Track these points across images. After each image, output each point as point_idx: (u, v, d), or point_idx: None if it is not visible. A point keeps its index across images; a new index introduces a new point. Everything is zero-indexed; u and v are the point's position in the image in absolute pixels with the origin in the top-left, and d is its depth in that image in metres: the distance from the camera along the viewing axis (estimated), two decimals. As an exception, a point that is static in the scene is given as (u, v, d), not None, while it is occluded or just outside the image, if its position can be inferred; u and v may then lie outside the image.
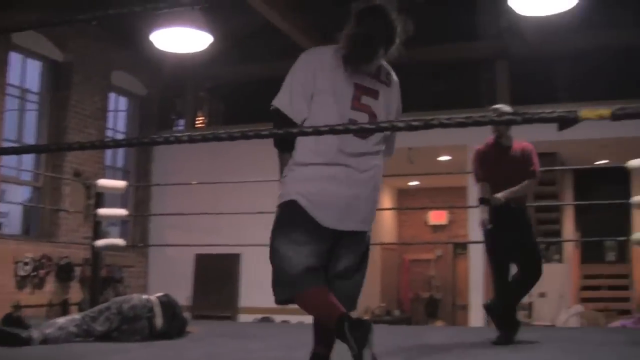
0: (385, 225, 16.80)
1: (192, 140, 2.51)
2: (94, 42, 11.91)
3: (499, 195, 5.92)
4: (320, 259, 3.45)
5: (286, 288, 3.46)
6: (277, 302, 3.55)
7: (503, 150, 6.14)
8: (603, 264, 14.87)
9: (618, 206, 13.95)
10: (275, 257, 3.49)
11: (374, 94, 3.53)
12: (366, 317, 14.12)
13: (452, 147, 12.58)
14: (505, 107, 6.12)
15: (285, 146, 3.54)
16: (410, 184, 16.84)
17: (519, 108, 11.51)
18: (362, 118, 3.46)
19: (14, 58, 10.82)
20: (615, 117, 1.82)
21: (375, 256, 15.60)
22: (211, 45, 9.27)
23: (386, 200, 16.80)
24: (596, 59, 13.33)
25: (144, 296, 6.01)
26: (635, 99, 11.37)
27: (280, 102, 3.50)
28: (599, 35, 12.65)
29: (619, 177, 14.16)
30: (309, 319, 10.48)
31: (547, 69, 13.94)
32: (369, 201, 3.55)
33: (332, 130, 2.37)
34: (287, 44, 13.03)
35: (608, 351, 5.01)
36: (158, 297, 6.05)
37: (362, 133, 3.44)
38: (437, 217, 17.29)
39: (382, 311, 15.15)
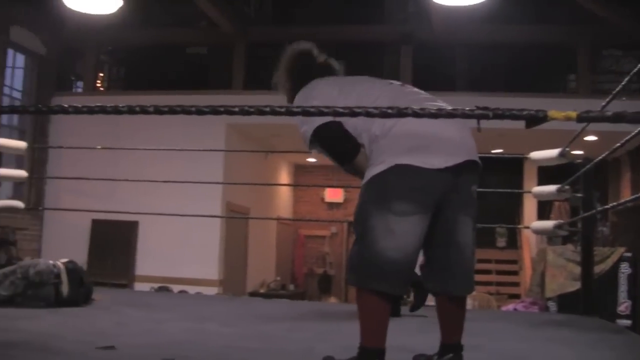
0: (282, 199, 16.90)
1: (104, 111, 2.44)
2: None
3: None
4: (422, 237, 3.02)
5: (360, 277, 3.01)
6: (350, 284, 3.13)
7: None
8: (494, 249, 15.36)
9: (510, 194, 14.49)
10: (368, 238, 3.00)
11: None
12: (262, 291, 14.26)
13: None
14: None
15: (352, 153, 3.19)
16: (308, 160, 16.96)
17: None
18: (394, 81, 3.41)
19: None
20: (580, 119, 1.93)
21: (271, 230, 15.71)
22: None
23: (283, 174, 16.89)
24: (494, 53, 13.76)
25: (51, 262, 5.91)
26: (527, 92, 11.81)
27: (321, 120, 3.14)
28: (499, 30, 13.02)
29: (512, 167, 14.67)
30: (207, 290, 10.49)
31: (449, 58, 14.27)
32: (461, 128, 3.13)
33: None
34: (192, 11, 12.92)
35: (505, 333, 5.21)
36: (64, 264, 5.96)
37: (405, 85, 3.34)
38: (333, 194, 17.46)
39: (278, 285, 15.29)
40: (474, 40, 13.42)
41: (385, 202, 2.96)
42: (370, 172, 3.04)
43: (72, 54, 14.42)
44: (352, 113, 2.25)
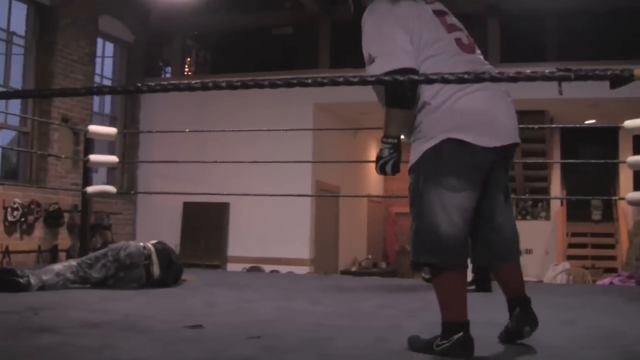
0: (372, 177, 16.82)
1: (191, 88, 2.42)
2: (81, -16, 11.75)
3: None
4: (471, 212, 3.06)
5: (428, 256, 3.06)
6: (415, 267, 3.21)
7: None
8: (589, 222, 15.00)
9: (605, 166, 14.11)
10: (421, 213, 3.06)
11: (445, 12, 3.30)
12: (354, 269, 14.25)
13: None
14: None
15: (407, 103, 3.07)
16: (398, 137, 16.82)
17: (508, 65, 11.55)
18: (461, 35, 3.24)
19: (-1, 1, 10.54)
20: (670, 76, 1.81)
21: (361, 209, 15.66)
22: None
23: (373, 153, 16.80)
24: (583, 20, 13.34)
25: (141, 244, 5.99)
26: (618, 60, 11.42)
27: (401, 63, 3.01)
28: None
29: (607, 137, 14.28)
30: (299, 269, 10.55)
31: (537, 27, 13.92)
32: (510, 109, 3.20)
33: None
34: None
35: (600, 307, 5.06)
36: (154, 245, 6.04)
37: (469, 44, 3.24)
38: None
39: (369, 263, 15.25)
40: (563, 8, 13.05)
41: (437, 177, 2.99)
42: (423, 147, 3.04)
43: (160, 40, 14.61)
44: (428, 80, 2.18)
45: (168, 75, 14.76)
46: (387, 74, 2.96)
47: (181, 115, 12.32)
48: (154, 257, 5.94)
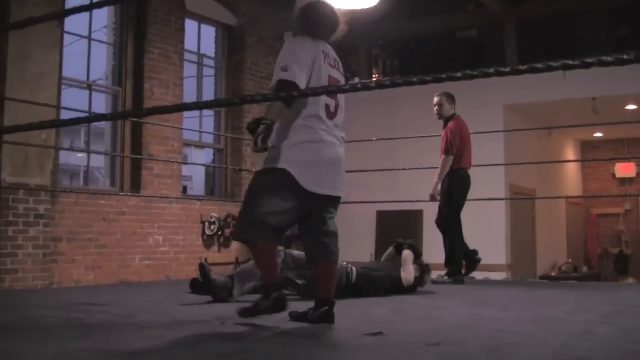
0: (570, 178, 16.20)
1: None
2: (264, 4, 12.01)
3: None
4: (291, 222, 4.12)
5: (248, 232, 4.03)
6: (236, 239, 4.32)
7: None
8: None
9: None
10: (250, 201, 4.04)
11: (337, 82, 4.24)
12: (553, 274, 13.73)
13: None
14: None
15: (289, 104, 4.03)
16: (595, 135, 16.12)
17: None
18: (333, 104, 4.16)
19: (189, 25, 10.89)
20: None
21: (559, 211, 15.11)
22: (381, 1, 9.10)
23: (570, 152, 16.19)
24: None
25: (347, 266, 5.99)
26: None
27: (294, 77, 3.95)
28: None
29: None
30: (495, 275, 10.27)
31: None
32: (343, 171, 4.23)
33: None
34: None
35: None
36: (358, 273, 6.02)
37: (334, 112, 4.18)
38: (625, 169, 16.45)
39: (569, 268, 14.61)
40: None
41: (273, 187, 4.00)
42: (268, 164, 4.04)
43: (346, 52, 14.72)
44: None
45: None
46: (278, 81, 4.00)
47: (371, 123, 12.32)
48: (352, 281, 5.96)
